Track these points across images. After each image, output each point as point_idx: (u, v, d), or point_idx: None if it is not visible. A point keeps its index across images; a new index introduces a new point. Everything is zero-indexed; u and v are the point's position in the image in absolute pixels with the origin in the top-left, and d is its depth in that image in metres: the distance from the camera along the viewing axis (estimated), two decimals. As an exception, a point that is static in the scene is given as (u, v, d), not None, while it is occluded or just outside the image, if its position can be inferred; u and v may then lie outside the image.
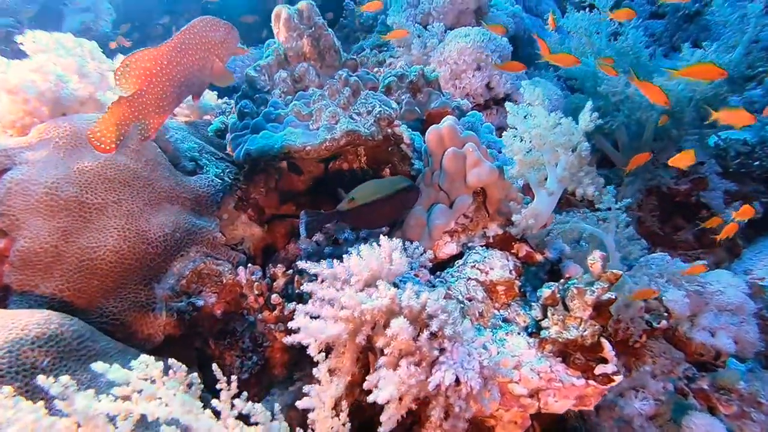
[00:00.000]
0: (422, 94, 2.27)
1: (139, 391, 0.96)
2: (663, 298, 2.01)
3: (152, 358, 1.00)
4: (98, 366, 0.93)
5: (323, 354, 1.10)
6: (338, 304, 1.17)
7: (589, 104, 1.55)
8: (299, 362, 1.54)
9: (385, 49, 3.54)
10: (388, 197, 1.49)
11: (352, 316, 1.14)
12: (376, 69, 3.30)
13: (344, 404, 1.11)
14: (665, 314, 1.99)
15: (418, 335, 1.09)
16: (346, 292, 1.12)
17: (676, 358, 2.05)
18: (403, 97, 2.23)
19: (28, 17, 3.69)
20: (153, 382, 0.98)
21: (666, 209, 3.25)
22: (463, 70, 2.67)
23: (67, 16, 3.74)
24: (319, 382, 1.16)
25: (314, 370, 1.10)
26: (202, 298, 1.48)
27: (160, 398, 0.97)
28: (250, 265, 1.56)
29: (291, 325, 1.17)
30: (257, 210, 1.88)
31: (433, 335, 1.11)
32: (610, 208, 1.73)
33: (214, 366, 1.17)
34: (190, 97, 2.23)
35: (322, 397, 1.09)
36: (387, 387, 1.02)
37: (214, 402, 1.04)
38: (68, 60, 1.68)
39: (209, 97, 2.33)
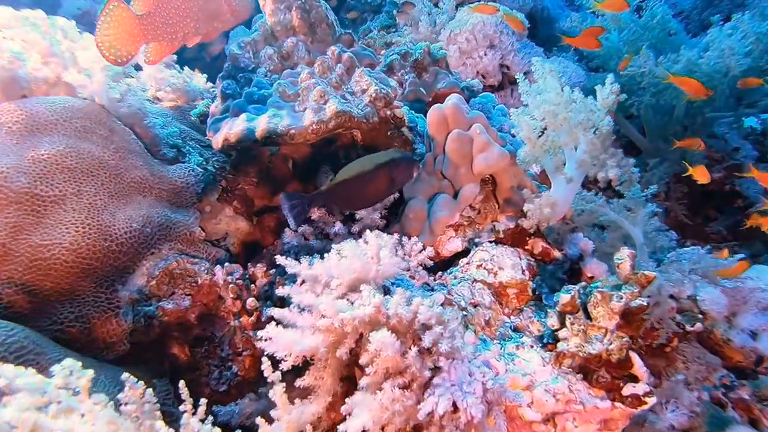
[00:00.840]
0: (428, 74, 2.07)
1: (58, 403, 0.79)
2: (697, 297, 1.79)
3: (79, 364, 0.84)
4: (5, 370, 0.77)
5: (278, 374, 0.93)
6: (316, 311, 0.99)
7: (610, 77, 1.35)
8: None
9: (393, 30, 3.35)
10: (373, 171, 1.30)
11: (332, 326, 0.96)
12: (383, 51, 3.10)
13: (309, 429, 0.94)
14: (700, 316, 1.78)
15: (408, 351, 0.91)
16: (322, 299, 0.95)
17: (711, 364, 1.83)
18: (406, 76, 2.03)
19: (26, 1, 3.58)
20: (77, 393, 0.82)
21: (696, 198, 2.99)
22: (475, 48, 2.45)
23: (64, 1, 3.63)
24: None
25: (270, 392, 0.93)
26: (173, 301, 1.32)
27: (83, 414, 0.81)
28: (227, 263, 1.40)
29: (261, 335, 1.00)
30: (244, 202, 1.72)
31: (427, 351, 0.93)
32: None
33: (181, 384, 1.01)
34: (176, 81, 2.08)
35: (281, 424, 0.91)
36: (360, 415, 0.84)
37: (158, 425, 0.88)
38: (33, 36, 1.52)
39: (198, 80, 2.17)
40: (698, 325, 1.72)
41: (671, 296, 1.69)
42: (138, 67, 2.14)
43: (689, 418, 1.68)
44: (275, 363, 1.02)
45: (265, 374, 0.91)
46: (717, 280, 1.88)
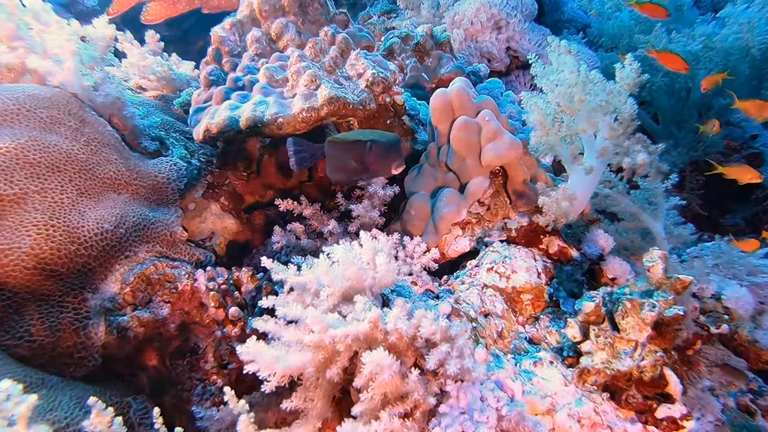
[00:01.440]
0: (431, 58, 1.93)
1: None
2: (722, 295, 1.66)
3: (19, 387, 0.71)
4: None
5: (244, 402, 0.80)
6: (304, 325, 0.86)
7: (629, 55, 1.22)
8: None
9: (395, 15, 3.21)
10: (366, 142, 1.19)
11: (321, 342, 0.83)
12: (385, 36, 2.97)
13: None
14: (725, 316, 1.64)
15: (409, 373, 0.78)
16: (309, 312, 0.82)
17: (737, 367, 1.69)
18: (407, 61, 1.89)
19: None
20: (12, 424, 0.69)
21: (712, 188, 2.84)
22: (480, 31, 2.30)
23: (51, -10, 3.47)
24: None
25: (238, 426, 0.80)
26: (150, 310, 1.19)
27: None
28: (209, 267, 1.26)
29: (240, 351, 0.87)
30: (233, 198, 1.59)
31: (431, 373, 0.80)
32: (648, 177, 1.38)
33: (155, 411, 0.89)
34: (160, 68, 1.94)
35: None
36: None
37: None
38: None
39: (185, 67, 2.03)
40: (724, 327, 1.59)
41: (694, 295, 1.56)
42: (121, 54, 2.01)
43: (715, 427, 1.55)
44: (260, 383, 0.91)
45: (230, 405, 0.78)
46: (741, 275, 1.75)
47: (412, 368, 0.79)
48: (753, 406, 1.64)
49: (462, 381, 0.80)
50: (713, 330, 1.58)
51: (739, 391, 1.66)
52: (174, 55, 2.17)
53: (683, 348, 1.56)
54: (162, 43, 2.11)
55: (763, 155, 2.74)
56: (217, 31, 1.51)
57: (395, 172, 1.20)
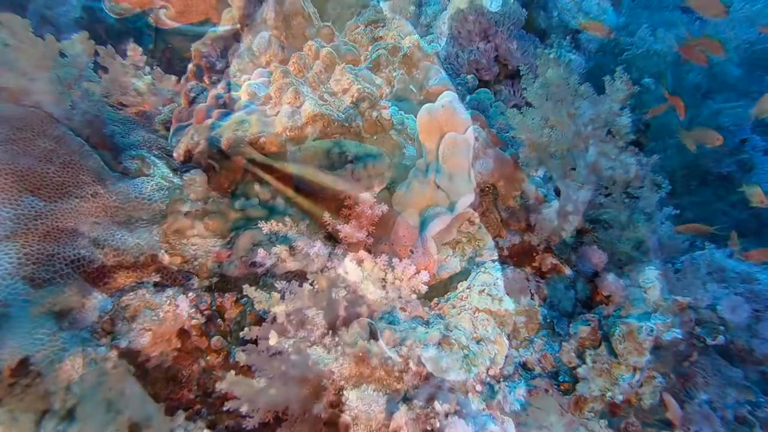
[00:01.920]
0: (418, 70, 1.91)
1: None
2: (717, 306, 1.63)
3: None
4: None
5: None
6: (288, 357, 0.82)
7: (619, 69, 1.20)
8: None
9: (382, 25, 3.18)
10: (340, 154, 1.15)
11: (305, 376, 0.79)
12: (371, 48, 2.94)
13: None
14: (721, 327, 1.61)
15: (398, 411, 0.74)
16: (292, 345, 0.78)
17: (733, 378, 1.67)
18: (395, 73, 1.86)
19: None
20: None
21: (703, 192, 2.84)
22: (469, 41, 2.28)
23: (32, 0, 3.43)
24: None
25: None
26: (129, 338, 1.14)
27: None
28: (191, 293, 1.22)
29: (219, 387, 0.83)
30: (217, 217, 1.54)
31: (421, 408, 0.76)
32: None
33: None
34: (141, 84, 1.90)
35: None
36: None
37: None
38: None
39: (167, 83, 1.99)
40: (720, 338, 1.56)
41: (689, 306, 1.53)
42: (101, 68, 1.96)
43: (714, 443, 1.52)
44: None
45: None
46: (735, 283, 1.73)
47: (400, 403, 0.75)
48: (751, 418, 1.61)
49: (453, 414, 0.76)
50: (709, 342, 1.56)
51: (737, 402, 1.63)
52: (157, 68, 2.13)
53: (680, 360, 1.53)
54: (144, 57, 2.07)
55: (752, 160, 2.75)
56: (198, 47, 1.47)
57: (377, 189, 1.16)
